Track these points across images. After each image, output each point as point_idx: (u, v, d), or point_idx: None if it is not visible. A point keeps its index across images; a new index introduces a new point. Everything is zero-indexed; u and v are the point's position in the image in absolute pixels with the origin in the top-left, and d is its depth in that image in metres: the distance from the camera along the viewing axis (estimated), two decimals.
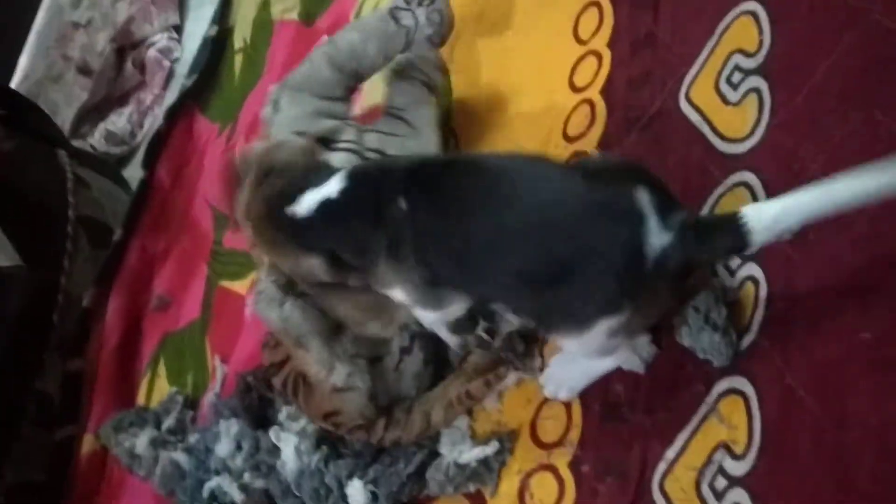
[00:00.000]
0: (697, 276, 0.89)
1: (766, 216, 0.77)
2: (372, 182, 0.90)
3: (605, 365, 0.93)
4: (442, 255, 0.86)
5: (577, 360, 0.94)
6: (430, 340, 1.06)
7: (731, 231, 0.77)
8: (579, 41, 1.15)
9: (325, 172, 0.92)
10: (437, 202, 0.86)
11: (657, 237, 0.77)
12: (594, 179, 0.82)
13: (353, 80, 1.22)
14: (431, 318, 0.98)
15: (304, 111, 1.18)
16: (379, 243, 0.87)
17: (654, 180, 0.81)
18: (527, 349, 1.00)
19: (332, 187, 0.89)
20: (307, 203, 0.90)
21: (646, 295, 0.80)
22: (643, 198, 0.78)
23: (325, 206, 0.89)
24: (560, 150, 1.10)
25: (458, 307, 0.93)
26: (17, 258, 1.42)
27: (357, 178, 0.90)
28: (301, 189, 0.91)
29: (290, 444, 1.13)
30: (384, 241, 0.87)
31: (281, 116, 1.18)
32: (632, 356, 0.91)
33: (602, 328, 0.81)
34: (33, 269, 1.47)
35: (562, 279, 0.79)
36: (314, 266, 0.91)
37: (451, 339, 1.03)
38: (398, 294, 0.91)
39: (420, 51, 1.21)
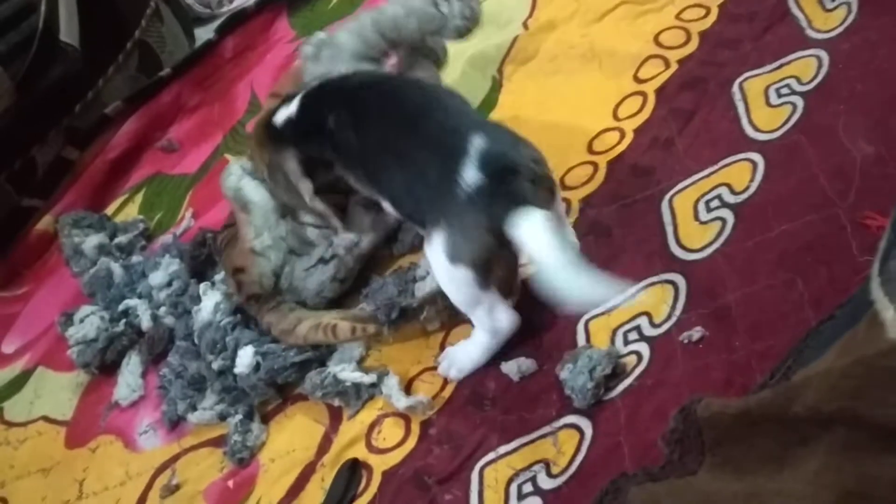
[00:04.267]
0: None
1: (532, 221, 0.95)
2: (314, 102, 1.16)
3: (485, 350, 1.08)
4: (358, 159, 1.11)
5: (468, 349, 1.08)
6: (347, 269, 1.22)
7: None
8: (616, 117, 1.29)
9: (295, 94, 1.17)
10: (355, 115, 1.10)
11: (471, 174, 0.97)
12: (469, 125, 1.03)
13: (389, 48, 1.33)
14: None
15: (339, 70, 1.29)
16: (327, 151, 1.12)
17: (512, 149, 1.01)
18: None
19: (292, 107, 1.16)
20: (279, 118, 1.17)
21: (458, 218, 0.99)
22: (475, 144, 0.99)
23: (289, 121, 1.16)
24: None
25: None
26: (77, 40, 1.55)
27: (305, 99, 1.16)
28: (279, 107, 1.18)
29: (212, 300, 1.25)
30: (330, 150, 1.13)
31: (319, 68, 1.30)
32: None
33: (438, 239, 1.00)
34: (84, 57, 1.59)
35: (421, 187, 1.02)
36: (287, 161, 1.16)
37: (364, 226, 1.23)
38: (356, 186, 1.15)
39: (446, 37, 1.34)
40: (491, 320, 1.06)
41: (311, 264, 1.22)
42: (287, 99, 1.19)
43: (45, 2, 1.53)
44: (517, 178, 0.99)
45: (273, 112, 1.19)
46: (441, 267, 1.02)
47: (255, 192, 1.24)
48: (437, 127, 1.05)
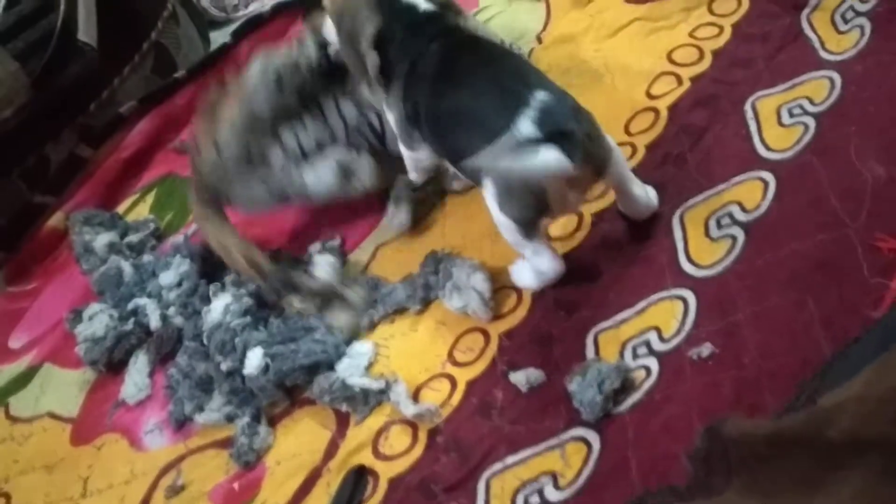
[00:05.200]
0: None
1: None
2: (421, 26, 1.15)
3: (534, 282, 1.14)
4: (421, 105, 1.12)
5: (526, 271, 1.14)
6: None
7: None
8: (627, 132, 1.30)
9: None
10: (438, 64, 1.11)
11: (526, 126, 1.00)
12: (537, 81, 1.06)
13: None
14: (407, 156, 1.22)
15: None
16: (402, 69, 1.14)
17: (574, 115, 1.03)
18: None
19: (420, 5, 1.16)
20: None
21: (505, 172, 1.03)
22: (539, 97, 1.01)
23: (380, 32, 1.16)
24: None
25: (424, 154, 1.19)
26: (94, 39, 1.56)
27: (420, 17, 1.16)
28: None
29: (222, 301, 1.26)
30: (405, 68, 1.14)
31: None
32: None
33: (488, 187, 1.05)
34: (100, 56, 1.60)
35: (479, 130, 1.04)
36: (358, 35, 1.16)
37: (413, 176, 1.27)
38: (392, 122, 1.19)
39: None
40: (536, 262, 1.11)
41: (254, 178, 1.26)
42: None
43: (64, 0, 1.54)
44: (568, 144, 1.00)
45: None
46: (492, 211, 1.07)
47: (253, 74, 1.26)
48: (506, 74, 1.08)
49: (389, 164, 1.31)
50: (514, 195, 1.04)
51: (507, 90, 1.05)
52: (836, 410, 0.70)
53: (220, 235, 1.24)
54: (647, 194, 1.15)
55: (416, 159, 1.23)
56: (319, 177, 1.27)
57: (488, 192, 1.06)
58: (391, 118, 1.20)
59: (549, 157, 0.99)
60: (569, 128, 1.01)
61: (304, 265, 1.27)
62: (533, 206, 1.04)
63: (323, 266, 1.24)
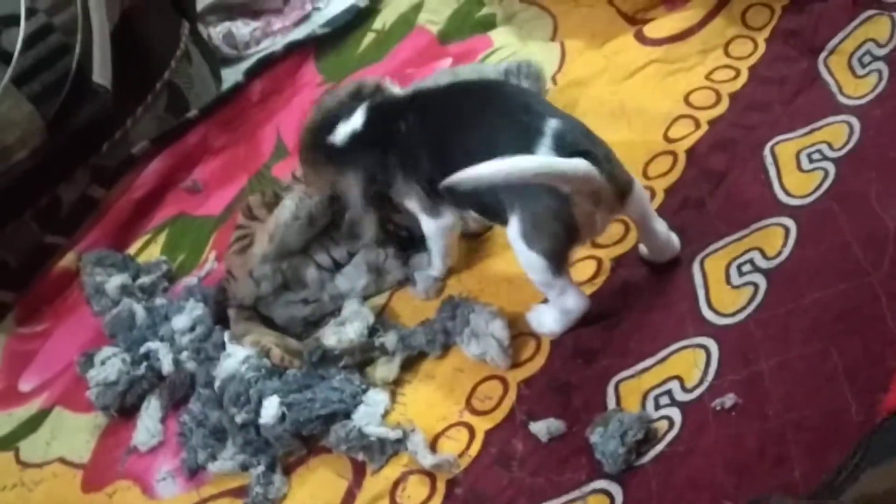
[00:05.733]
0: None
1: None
2: (382, 112, 1.16)
3: (560, 323, 1.13)
4: (432, 166, 1.11)
5: (550, 314, 1.13)
6: (322, 313, 1.30)
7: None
8: (646, 175, 1.29)
9: (353, 107, 1.18)
10: (427, 123, 1.12)
11: (545, 154, 1.01)
12: (546, 110, 1.08)
13: None
14: (432, 227, 1.21)
15: None
16: (393, 162, 1.13)
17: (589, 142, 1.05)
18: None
19: (357, 121, 1.17)
20: (341, 134, 1.18)
21: (531, 202, 1.03)
22: (551, 123, 1.02)
23: (354, 136, 1.17)
24: None
25: (449, 218, 1.18)
26: (109, 81, 1.57)
27: (372, 111, 1.17)
28: (335, 122, 1.19)
29: (242, 353, 1.23)
30: (396, 160, 1.13)
31: None
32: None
33: (514, 224, 1.05)
34: (114, 97, 1.60)
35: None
36: (349, 182, 1.17)
37: (440, 246, 1.24)
38: (411, 204, 1.17)
39: None
40: (562, 301, 1.10)
41: (294, 300, 1.29)
42: (344, 113, 1.20)
43: (79, 43, 1.55)
44: (591, 160, 1.01)
45: (321, 131, 1.20)
46: (518, 250, 1.07)
47: (288, 223, 1.28)
48: (513, 108, 1.08)
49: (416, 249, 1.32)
50: (542, 225, 1.03)
51: (518, 123, 1.06)
52: (886, 495, 0.68)
53: (258, 337, 1.26)
54: (668, 231, 1.15)
55: (441, 227, 1.20)
56: (352, 281, 1.30)
57: (514, 231, 1.06)
58: (411, 205, 1.19)
59: (579, 162, 1.00)
60: (587, 148, 1.03)
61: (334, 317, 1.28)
62: (562, 233, 1.03)
63: (352, 314, 1.24)
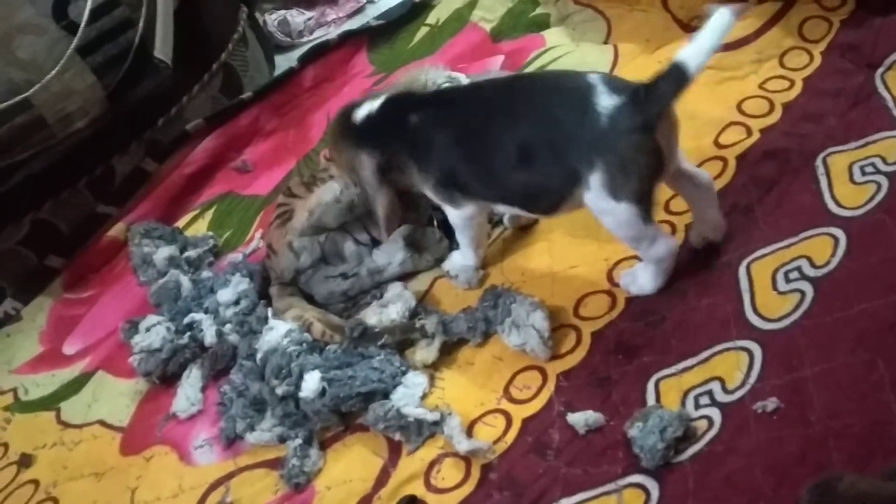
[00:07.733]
0: None
1: (690, 54, 1.03)
2: (398, 102, 1.20)
3: (657, 276, 1.15)
4: (453, 161, 1.14)
5: (646, 274, 1.15)
6: (360, 288, 1.33)
7: (674, 73, 1.02)
8: None
9: (378, 94, 1.22)
10: (446, 118, 1.14)
11: (607, 99, 1.01)
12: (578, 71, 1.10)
13: None
14: (456, 217, 1.22)
15: None
16: (404, 152, 1.16)
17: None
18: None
19: (374, 104, 1.21)
20: (360, 115, 1.22)
21: (613, 147, 1.03)
22: (592, 77, 1.03)
23: (367, 117, 1.21)
24: None
25: (471, 208, 1.19)
26: (169, 57, 1.60)
27: (389, 100, 1.21)
28: (359, 105, 1.24)
29: (284, 327, 1.26)
30: (407, 151, 1.16)
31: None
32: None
33: (596, 182, 1.04)
34: (173, 75, 1.64)
35: (560, 140, 1.05)
36: (362, 161, 1.19)
37: (468, 237, 1.26)
38: (431, 194, 1.19)
39: None
40: (654, 252, 1.12)
41: (332, 275, 1.32)
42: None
43: (143, 18, 1.58)
44: (653, 88, 1.03)
45: (351, 110, 1.24)
46: (606, 210, 1.08)
47: (330, 201, 1.32)
48: (550, 82, 1.11)
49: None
50: (630, 163, 1.04)
51: (563, 88, 1.08)
52: None
53: (300, 312, 1.29)
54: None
55: (465, 217, 1.22)
56: (391, 256, 1.32)
57: (597, 186, 1.05)
58: (431, 195, 1.22)
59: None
60: (639, 84, 1.04)
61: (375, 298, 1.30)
62: (651, 164, 1.04)
63: (394, 297, 1.25)
